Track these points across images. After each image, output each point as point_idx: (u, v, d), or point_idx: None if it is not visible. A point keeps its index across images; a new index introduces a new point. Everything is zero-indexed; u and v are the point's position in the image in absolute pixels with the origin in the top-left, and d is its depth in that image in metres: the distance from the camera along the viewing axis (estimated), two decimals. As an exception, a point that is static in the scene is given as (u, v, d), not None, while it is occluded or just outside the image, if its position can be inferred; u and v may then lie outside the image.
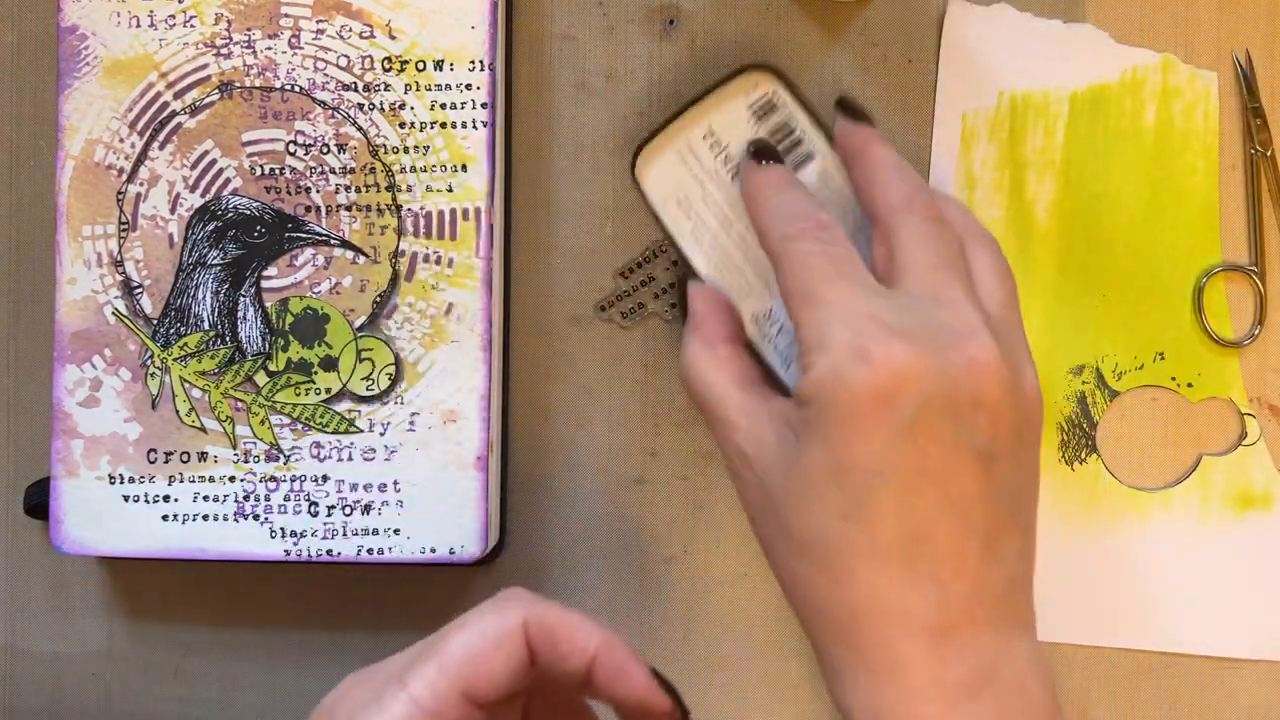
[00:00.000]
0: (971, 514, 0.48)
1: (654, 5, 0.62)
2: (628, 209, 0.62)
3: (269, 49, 0.58)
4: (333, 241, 0.58)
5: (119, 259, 0.58)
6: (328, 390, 0.58)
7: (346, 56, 0.58)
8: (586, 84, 0.63)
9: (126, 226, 0.58)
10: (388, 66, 0.58)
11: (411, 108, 0.58)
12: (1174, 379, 0.61)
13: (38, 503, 0.60)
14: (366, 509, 0.58)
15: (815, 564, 0.48)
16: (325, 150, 0.58)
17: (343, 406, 0.58)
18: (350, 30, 0.58)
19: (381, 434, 0.58)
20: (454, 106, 0.58)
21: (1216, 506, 0.61)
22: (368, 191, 0.58)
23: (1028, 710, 0.48)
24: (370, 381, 0.58)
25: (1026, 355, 0.51)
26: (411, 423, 0.58)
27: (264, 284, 0.58)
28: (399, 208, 0.58)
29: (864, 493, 0.47)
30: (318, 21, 0.58)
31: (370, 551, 0.58)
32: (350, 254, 0.58)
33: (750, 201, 0.55)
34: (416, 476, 0.58)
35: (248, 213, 0.58)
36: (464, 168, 0.58)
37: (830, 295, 0.49)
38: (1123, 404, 0.62)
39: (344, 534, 0.58)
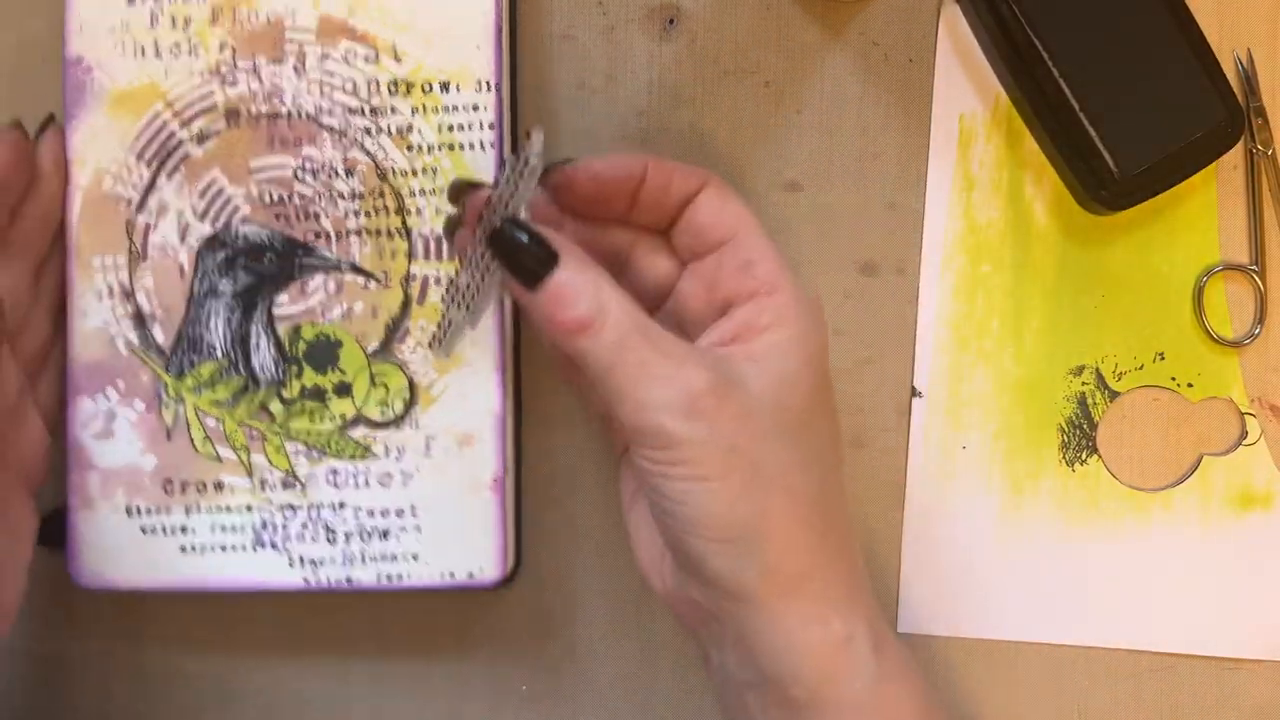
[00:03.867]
0: (838, 484, 0.52)
1: (654, 5, 0.62)
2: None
3: (274, 75, 0.58)
4: (343, 267, 0.58)
5: (130, 289, 0.58)
6: (342, 416, 0.58)
7: (352, 80, 0.58)
8: (586, 84, 0.62)
9: (136, 257, 0.58)
10: (394, 90, 0.58)
11: (419, 130, 0.58)
12: (1174, 379, 0.61)
13: (52, 533, 0.60)
14: (384, 535, 0.58)
15: (737, 538, 0.48)
16: (333, 175, 0.58)
17: (358, 432, 0.58)
18: (355, 54, 0.58)
19: (397, 459, 0.58)
20: (461, 128, 0.58)
21: (1217, 507, 0.61)
22: (377, 215, 0.58)
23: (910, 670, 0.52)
24: (385, 407, 0.58)
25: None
26: (427, 447, 0.58)
27: (276, 311, 0.58)
28: (409, 231, 0.58)
29: (802, 432, 0.50)
30: (322, 46, 0.58)
31: (389, 578, 0.58)
32: (361, 279, 0.58)
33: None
34: (433, 501, 0.58)
35: (257, 240, 0.58)
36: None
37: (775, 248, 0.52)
38: (1123, 404, 0.62)
39: (362, 561, 0.58)
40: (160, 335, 0.58)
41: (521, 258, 0.48)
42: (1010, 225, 0.62)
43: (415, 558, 0.58)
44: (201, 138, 0.58)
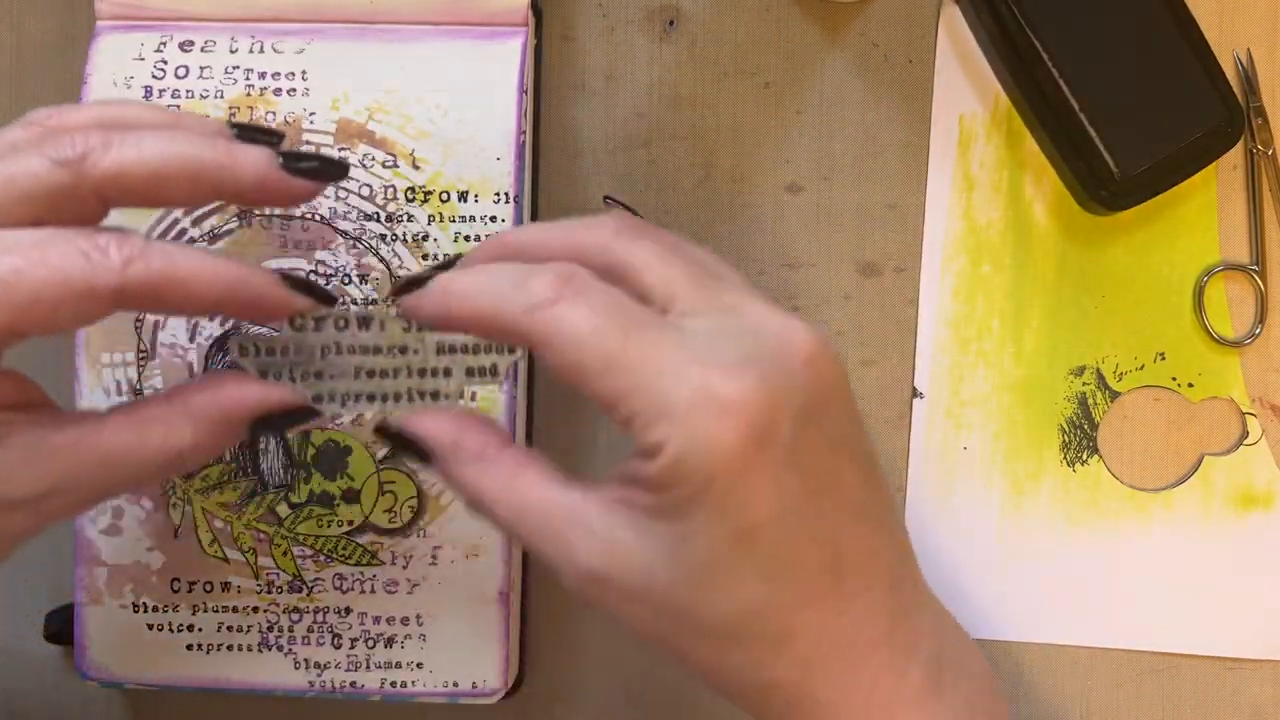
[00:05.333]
0: (861, 505, 0.44)
1: (654, 6, 0.62)
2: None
3: None
4: None
5: (138, 387, 0.57)
6: (350, 523, 0.57)
7: (369, 186, 0.57)
8: (586, 85, 0.62)
9: (145, 355, 0.57)
10: (411, 197, 0.57)
11: (435, 239, 0.57)
12: (1175, 379, 0.61)
13: (58, 629, 0.60)
14: (389, 642, 0.57)
15: (750, 643, 0.43)
16: (347, 281, 0.57)
17: (365, 539, 0.58)
18: (373, 159, 0.57)
19: (404, 567, 0.57)
20: (478, 238, 0.57)
21: (1218, 507, 0.61)
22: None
23: (978, 688, 0.47)
24: (393, 514, 0.57)
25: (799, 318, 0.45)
26: (434, 556, 0.57)
27: None
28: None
29: (776, 545, 0.42)
30: (340, 150, 0.57)
31: (394, 685, 0.57)
32: None
33: (444, 305, 0.45)
34: (439, 610, 0.57)
35: (267, 343, 0.57)
36: None
37: (636, 354, 0.41)
38: (1123, 405, 0.62)
39: (367, 667, 0.57)
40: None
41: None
42: (1010, 225, 0.62)
43: (419, 666, 0.57)
44: (213, 237, 0.57)
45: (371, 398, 0.47)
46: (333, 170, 0.46)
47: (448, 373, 0.47)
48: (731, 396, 0.40)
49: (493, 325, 0.44)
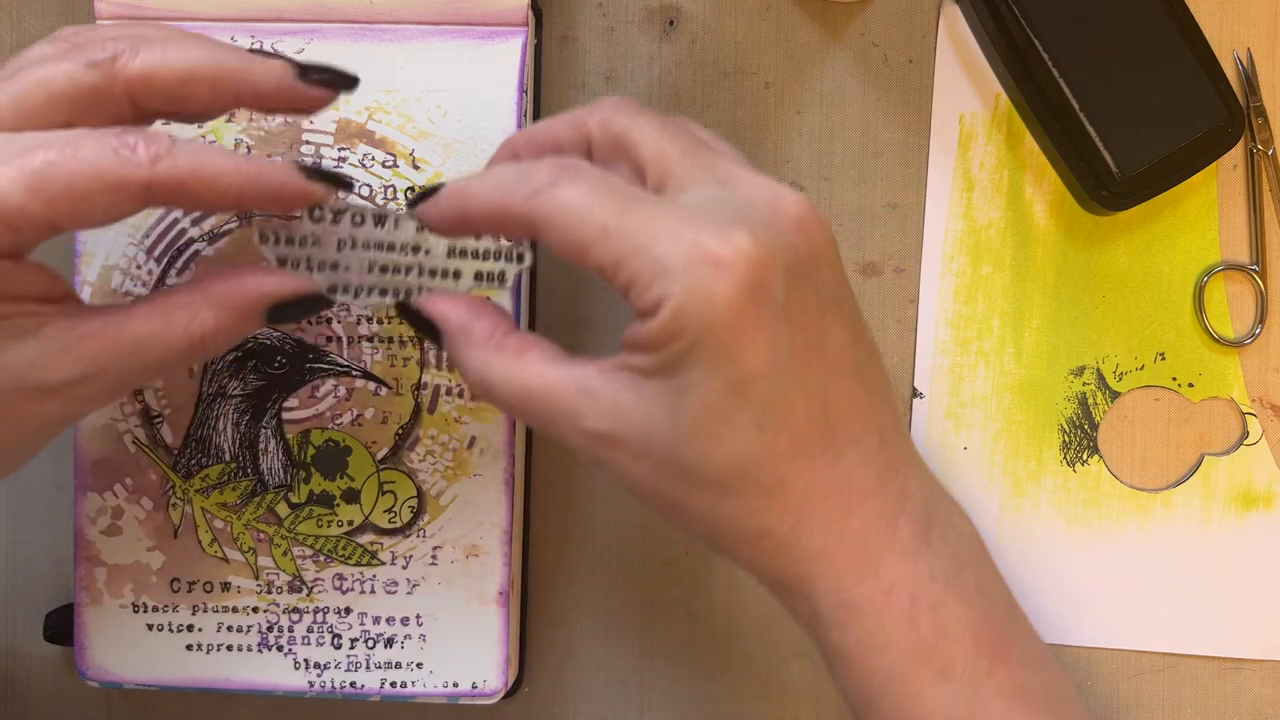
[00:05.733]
0: (850, 364, 0.47)
1: (654, 6, 0.62)
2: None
3: None
4: (354, 373, 0.57)
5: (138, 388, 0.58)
6: (350, 522, 0.58)
7: (369, 186, 0.57)
8: (586, 85, 0.62)
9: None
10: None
11: (434, 239, 0.57)
12: (1175, 379, 0.61)
13: (58, 629, 0.60)
14: (389, 642, 0.58)
15: (744, 492, 0.45)
16: None
17: (365, 539, 0.58)
18: (373, 159, 0.57)
19: (404, 567, 0.58)
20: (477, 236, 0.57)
21: (1219, 506, 0.61)
22: (390, 323, 0.57)
23: (968, 545, 0.50)
24: (392, 514, 0.58)
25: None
26: (434, 556, 0.57)
27: (285, 415, 0.57)
28: (422, 339, 0.57)
29: (771, 396, 0.44)
30: (340, 150, 0.57)
31: (393, 685, 0.57)
32: (372, 385, 0.57)
33: (459, 206, 0.48)
34: (438, 610, 0.57)
35: (268, 343, 0.57)
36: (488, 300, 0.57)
37: (631, 223, 0.44)
38: (1124, 404, 0.62)
39: (367, 667, 0.57)
40: (168, 434, 0.57)
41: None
42: (1010, 225, 0.62)
43: (419, 666, 0.57)
44: (213, 236, 0.57)
45: (384, 291, 0.49)
46: (343, 81, 0.49)
47: (457, 275, 0.49)
48: (726, 253, 0.43)
49: (503, 217, 0.46)
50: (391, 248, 0.49)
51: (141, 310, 0.46)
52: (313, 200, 0.47)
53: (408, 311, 0.49)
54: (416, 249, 0.49)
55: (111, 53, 0.45)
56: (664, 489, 0.46)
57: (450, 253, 0.49)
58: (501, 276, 0.50)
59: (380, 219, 0.48)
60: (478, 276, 0.50)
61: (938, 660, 0.47)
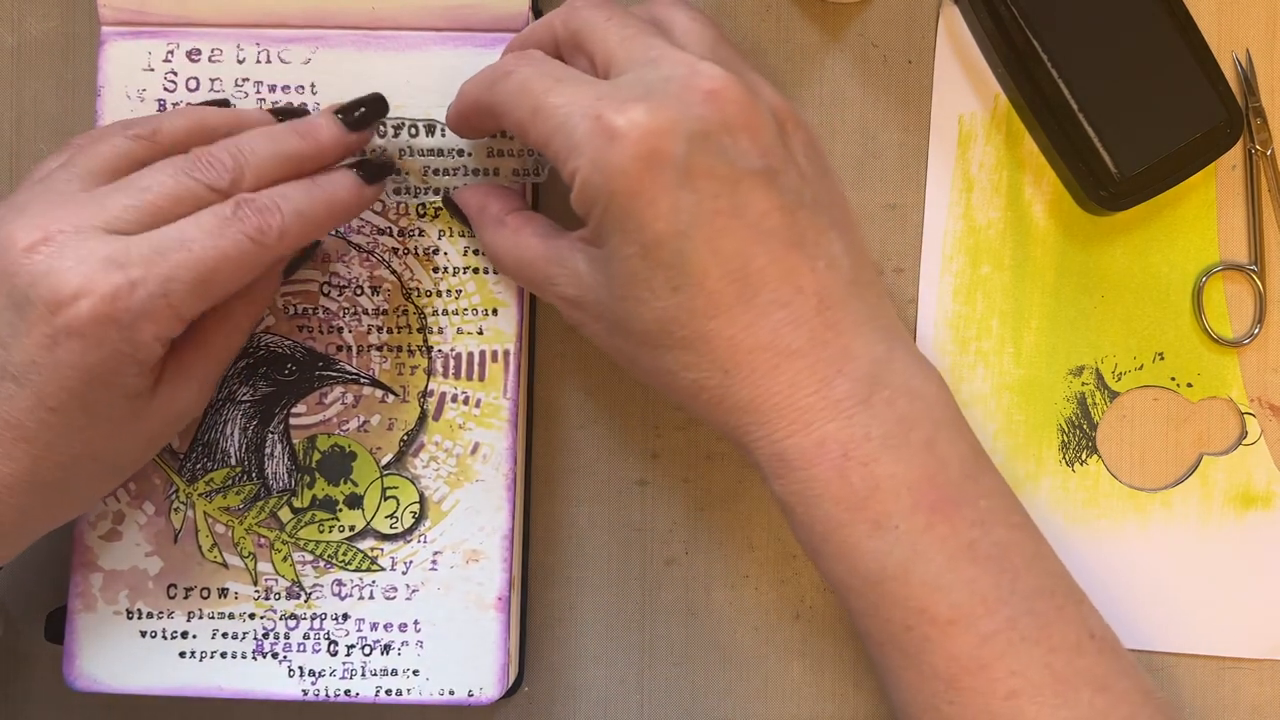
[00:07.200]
0: (777, 230, 0.49)
1: (654, 6, 0.62)
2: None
3: None
4: (362, 380, 0.58)
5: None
6: (351, 528, 0.58)
7: (382, 201, 0.58)
8: (586, 85, 0.62)
9: None
10: (422, 212, 0.58)
11: (445, 253, 0.58)
12: (1174, 379, 0.62)
13: (59, 629, 0.59)
14: (386, 649, 0.57)
15: (673, 348, 0.49)
16: (359, 292, 0.58)
17: (366, 544, 0.58)
18: None
19: (404, 573, 0.58)
20: None
21: (1218, 506, 0.61)
22: (399, 332, 0.58)
23: (923, 407, 0.51)
24: (394, 520, 0.58)
25: (757, 76, 0.52)
26: (434, 562, 0.58)
27: (293, 421, 0.58)
28: (429, 349, 0.58)
29: (678, 258, 0.48)
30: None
31: (389, 692, 0.57)
32: (379, 392, 0.58)
33: (457, 105, 0.55)
34: (437, 616, 0.57)
35: (279, 350, 0.58)
36: (495, 311, 0.58)
37: (556, 100, 0.49)
38: (1123, 404, 0.62)
39: (363, 674, 0.57)
40: (174, 439, 0.58)
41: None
42: (1010, 226, 0.62)
43: (416, 673, 0.57)
44: None
45: (437, 191, 0.58)
46: (379, 108, 0.55)
47: (496, 172, 0.58)
48: (620, 123, 0.47)
49: (480, 107, 0.53)
50: (441, 153, 0.57)
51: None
52: (372, 202, 0.55)
53: (448, 202, 0.57)
54: (460, 152, 0.58)
55: (261, 227, 0.50)
56: (619, 346, 0.52)
57: (489, 153, 0.57)
58: (536, 170, 0.58)
59: (430, 129, 0.57)
60: (515, 173, 0.58)
61: (871, 512, 0.49)
